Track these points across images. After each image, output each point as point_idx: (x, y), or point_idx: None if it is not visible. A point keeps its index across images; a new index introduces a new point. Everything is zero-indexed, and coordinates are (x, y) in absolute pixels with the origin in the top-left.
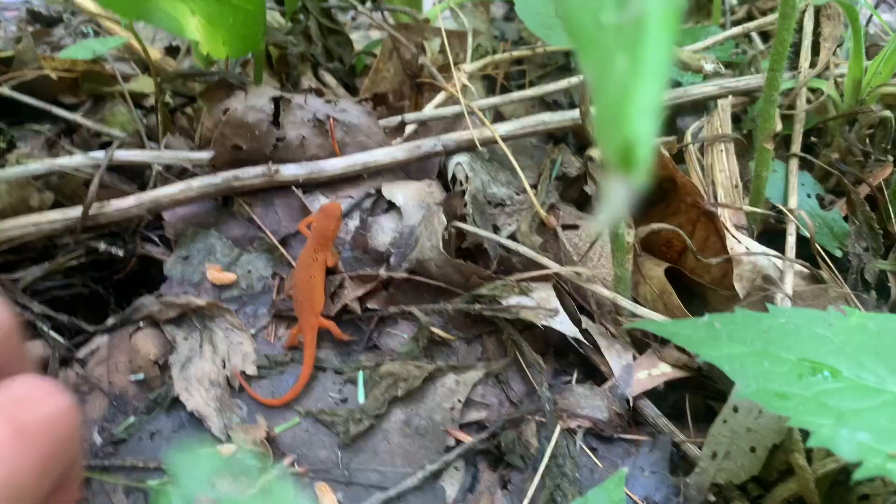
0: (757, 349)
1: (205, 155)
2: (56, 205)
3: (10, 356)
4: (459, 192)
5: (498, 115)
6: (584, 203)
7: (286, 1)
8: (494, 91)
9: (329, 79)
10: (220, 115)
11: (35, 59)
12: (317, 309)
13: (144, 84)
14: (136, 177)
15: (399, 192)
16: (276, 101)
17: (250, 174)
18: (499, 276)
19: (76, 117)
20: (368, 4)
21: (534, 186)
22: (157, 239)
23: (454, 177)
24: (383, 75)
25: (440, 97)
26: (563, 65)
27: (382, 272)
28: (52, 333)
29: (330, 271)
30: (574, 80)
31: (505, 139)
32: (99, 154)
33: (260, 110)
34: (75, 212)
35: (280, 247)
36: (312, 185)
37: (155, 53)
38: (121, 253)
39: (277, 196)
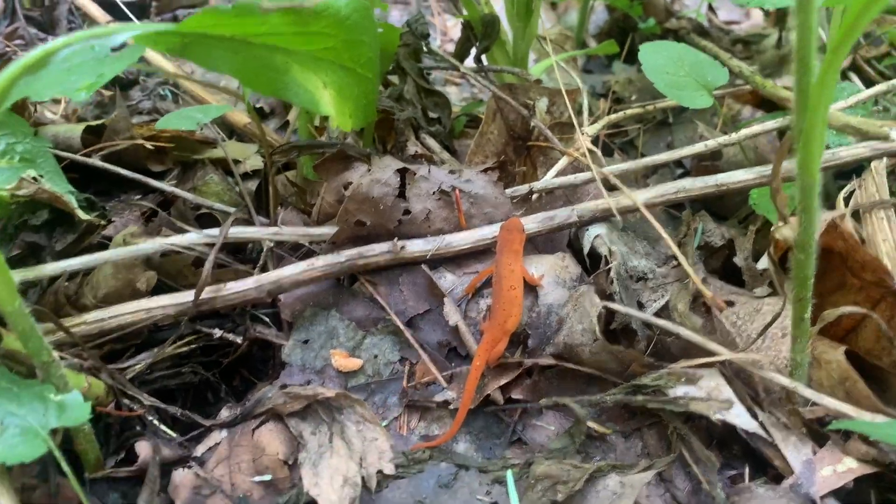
0: None
1: (326, 231)
2: (160, 286)
3: None
4: (605, 269)
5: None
6: (726, 275)
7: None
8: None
9: (431, 142)
10: (342, 189)
11: (129, 127)
12: (511, 322)
13: (234, 150)
14: (236, 251)
15: (531, 267)
16: (401, 174)
17: (375, 251)
18: (661, 364)
19: (173, 189)
20: (469, 62)
21: (673, 258)
22: (268, 319)
23: (592, 250)
24: (488, 137)
25: (562, 162)
26: (661, 120)
27: (527, 360)
28: (164, 428)
29: (530, 288)
30: (712, 142)
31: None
32: (213, 232)
33: (385, 184)
34: (188, 296)
35: (405, 329)
36: (436, 261)
37: (241, 118)
38: (239, 339)
39: (402, 273)
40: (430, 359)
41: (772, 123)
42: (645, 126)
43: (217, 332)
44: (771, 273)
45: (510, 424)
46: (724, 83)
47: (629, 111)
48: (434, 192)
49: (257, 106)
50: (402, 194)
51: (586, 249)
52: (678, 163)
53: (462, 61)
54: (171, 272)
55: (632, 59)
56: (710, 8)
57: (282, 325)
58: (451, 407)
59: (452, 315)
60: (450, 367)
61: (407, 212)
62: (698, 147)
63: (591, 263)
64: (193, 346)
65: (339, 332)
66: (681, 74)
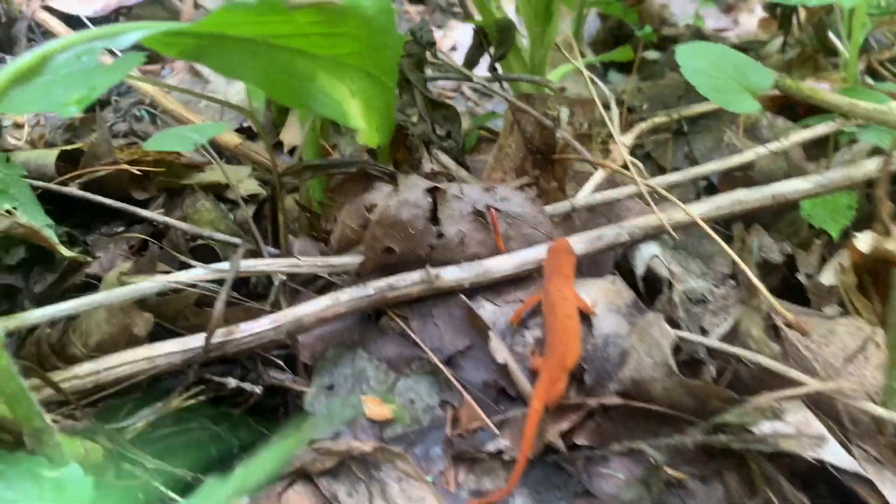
0: None
1: (349, 261)
2: (158, 330)
3: None
4: (668, 293)
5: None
6: (784, 293)
7: None
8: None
9: (445, 159)
10: (364, 213)
11: (111, 151)
12: (570, 358)
13: (220, 174)
14: (237, 287)
15: (581, 293)
16: (432, 193)
17: (407, 282)
18: (743, 398)
19: (165, 218)
20: (480, 71)
21: (731, 277)
22: (281, 363)
23: (649, 272)
24: (506, 152)
25: (598, 176)
26: (676, 129)
27: (589, 400)
28: (172, 495)
29: (583, 317)
30: (762, 149)
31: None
32: (221, 266)
33: (415, 205)
34: (197, 341)
35: (444, 368)
36: (474, 290)
37: (231, 138)
38: (258, 389)
39: (436, 305)
40: (476, 402)
41: (823, 128)
42: (661, 137)
43: (232, 382)
44: (843, 290)
45: (574, 474)
46: (769, 86)
47: (657, 119)
48: (468, 213)
49: (244, 125)
50: (433, 216)
51: (640, 271)
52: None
53: (472, 70)
54: (169, 314)
55: (628, 68)
56: (687, 24)
57: (297, 368)
58: (506, 458)
59: (500, 351)
60: (499, 410)
61: (440, 235)
62: (748, 155)
63: (644, 287)
64: (202, 397)
65: (368, 374)
66: (723, 77)
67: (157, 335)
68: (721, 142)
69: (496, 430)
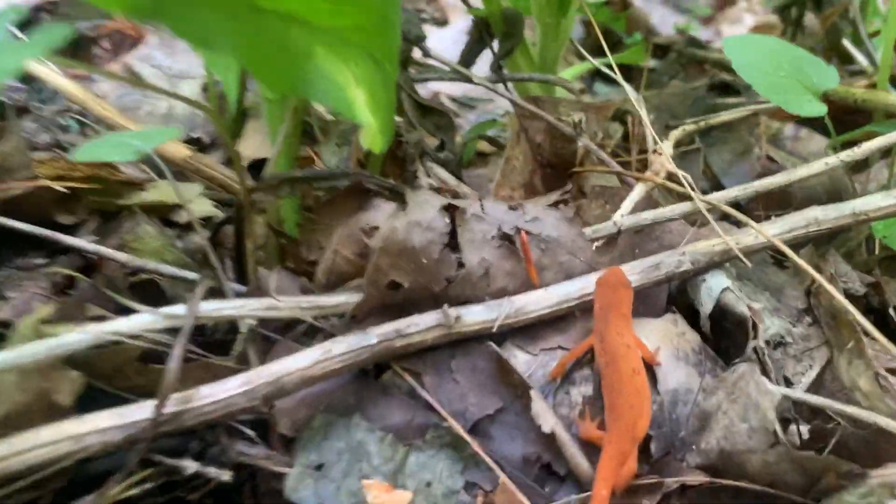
0: None
1: (344, 300)
2: (89, 395)
3: None
4: (753, 338)
5: None
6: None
7: None
8: None
9: (442, 173)
10: (360, 237)
11: (27, 165)
12: (640, 427)
13: (170, 193)
14: (195, 332)
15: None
16: (449, 213)
17: (420, 326)
18: (864, 472)
19: (97, 247)
20: (482, 69)
21: (805, 311)
22: (251, 433)
23: (721, 309)
24: (513, 165)
25: (639, 191)
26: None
27: (667, 479)
28: None
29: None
30: (833, 159)
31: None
32: (176, 310)
33: (428, 227)
34: (142, 411)
35: (470, 439)
36: (501, 335)
37: (178, 150)
38: (226, 476)
39: (455, 356)
40: (515, 484)
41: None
42: (677, 150)
43: (191, 466)
44: None
45: None
46: (834, 85)
47: (688, 128)
48: (492, 237)
49: (194, 136)
50: (450, 242)
51: (707, 308)
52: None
53: (468, 68)
54: (104, 372)
55: (612, 80)
56: (681, 31)
57: (272, 439)
58: None
59: (545, 415)
60: (545, 495)
61: (460, 265)
62: (816, 166)
63: (710, 328)
64: (148, 484)
65: (368, 449)
66: (780, 74)
67: (87, 403)
68: (743, 154)
69: None
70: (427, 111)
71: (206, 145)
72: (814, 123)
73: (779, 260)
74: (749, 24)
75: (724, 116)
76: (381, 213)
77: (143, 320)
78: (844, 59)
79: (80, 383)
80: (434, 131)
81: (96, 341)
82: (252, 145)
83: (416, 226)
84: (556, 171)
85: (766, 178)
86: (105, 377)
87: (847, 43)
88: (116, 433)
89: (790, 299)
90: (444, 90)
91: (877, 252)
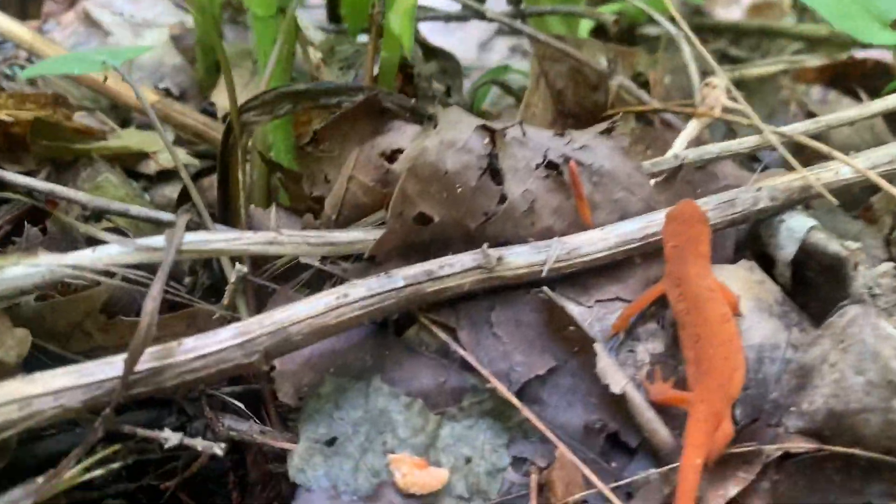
0: None
1: (360, 236)
2: (39, 355)
3: None
4: (857, 281)
5: None
6: None
7: (351, 16)
8: None
9: None
10: (381, 163)
11: None
12: (736, 383)
13: (135, 141)
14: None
15: None
16: (490, 135)
17: (455, 267)
18: None
19: (51, 186)
20: (498, 4)
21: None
22: (240, 404)
23: (808, 251)
24: (532, 112)
25: (692, 128)
26: None
27: (767, 447)
28: None
29: None
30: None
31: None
32: (153, 241)
33: (464, 149)
34: (108, 368)
35: (519, 404)
36: (549, 282)
37: (150, 95)
38: (218, 450)
39: (496, 306)
40: (576, 457)
41: None
42: None
43: (172, 438)
44: None
45: None
46: None
47: (740, 72)
48: (535, 167)
49: (161, 86)
50: (490, 169)
51: (788, 252)
52: None
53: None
54: (58, 329)
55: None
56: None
57: (268, 412)
58: None
59: (613, 374)
60: (612, 471)
61: (502, 198)
62: (892, 100)
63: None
64: (114, 464)
65: (392, 417)
66: (852, 3)
67: (41, 363)
68: (782, 105)
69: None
70: (432, 52)
71: (175, 98)
72: (843, 85)
73: (848, 208)
74: (745, 5)
75: (758, 70)
76: (404, 136)
77: (110, 252)
78: None
79: (28, 342)
80: (439, 76)
81: (48, 278)
82: (225, 98)
83: (449, 146)
84: (579, 122)
85: (838, 112)
86: (59, 336)
87: None
88: (75, 396)
89: (869, 248)
90: None
91: None
